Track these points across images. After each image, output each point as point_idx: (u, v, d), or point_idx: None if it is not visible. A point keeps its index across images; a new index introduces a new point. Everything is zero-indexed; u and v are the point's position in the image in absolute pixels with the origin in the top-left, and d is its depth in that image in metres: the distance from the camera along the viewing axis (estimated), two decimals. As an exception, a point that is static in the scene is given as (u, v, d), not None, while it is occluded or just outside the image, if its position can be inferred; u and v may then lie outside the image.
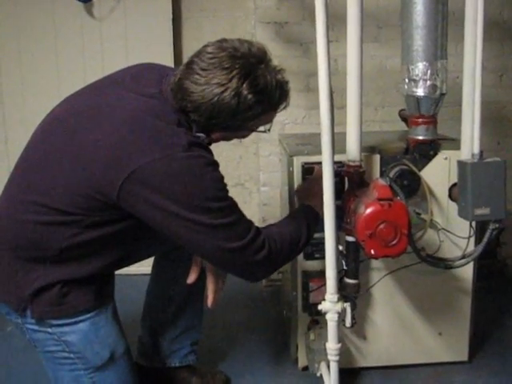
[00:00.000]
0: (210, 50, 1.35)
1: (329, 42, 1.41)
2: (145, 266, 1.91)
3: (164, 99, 1.39)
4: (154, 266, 1.88)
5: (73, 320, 1.40)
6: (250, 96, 1.32)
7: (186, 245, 1.39)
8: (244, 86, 1.31)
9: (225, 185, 1.38)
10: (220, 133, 1.44)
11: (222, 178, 1.37)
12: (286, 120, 2.78)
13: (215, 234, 1.33)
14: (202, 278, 1.60)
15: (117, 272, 1.59)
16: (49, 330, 1.40)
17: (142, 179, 1.27)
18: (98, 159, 1.30)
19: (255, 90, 1.33)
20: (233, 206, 1.39)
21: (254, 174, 2.97)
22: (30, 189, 1.38)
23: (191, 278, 1.60)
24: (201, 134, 1.41)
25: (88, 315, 1.42)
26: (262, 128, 1.49)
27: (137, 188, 1.28)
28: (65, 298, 1.38)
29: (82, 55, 2.80)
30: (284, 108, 1.46)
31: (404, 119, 2.04)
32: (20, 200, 1.39)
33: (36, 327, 1.41)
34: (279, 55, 2.65)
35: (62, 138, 1.38)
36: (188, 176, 1.29)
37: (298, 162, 1.84)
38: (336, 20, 2.25)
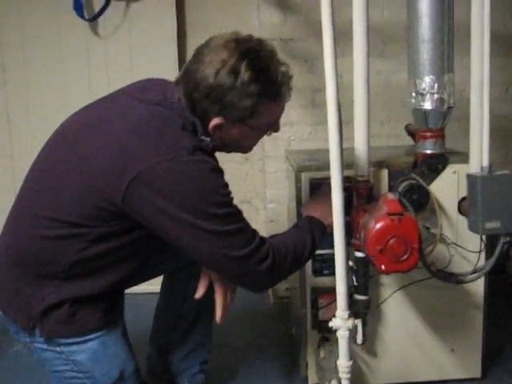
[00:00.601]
0: (216, 36, 1.39)
1: (336, 56, 1.40)
2: (154, 285, 1.89)
3: (169, 105, 1.39)
4: (164, 284, 1.87)
5: (82, 339, 1.39)
6: (248, 73, 1.32)
7: (189, 251, 1.36)
8: (244, 63, 1.32)
9: (229, 192, 1.36)
10: (218, 119, 1.38)
11: (226, 184, 1.36)
12: (291, 136, 2.78)
13: (218, 241, 1.31)
14: (211, 296, 1.57)
15: (126, 291, 1.58)
16: (57, 348, 1.39)
17: (147, 182, 1.26)
18: (102, 165, 1.29)
19: (254, 67, 1.33)
20: (237, 214, 1.37)
21: (261, 191, 2.97)
22: (36, 204, 1.37)
23: (199, 292, 1.57)
24: (205, 138, 1.40)
25: (97, 334, 1.40)
26: (265, 123, 1.45)
27: (141, 191, 1.26)
28: (74, 316, 1.37)
29: (87, 73, 2.82)
30: (286, 100, 1.44)
31: (411, 134, 2.03)
32: (27, 216, 1.39)
33: (44, 346, 1.40)
34: (284, 72, 2.66)
35: (67, 150, 1.38)
36: (192, 180, 1.28)
37: (305, 177, 1.83)
38: (341, 35, 2.25)
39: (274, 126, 1.50)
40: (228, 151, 1.54)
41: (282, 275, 1.48)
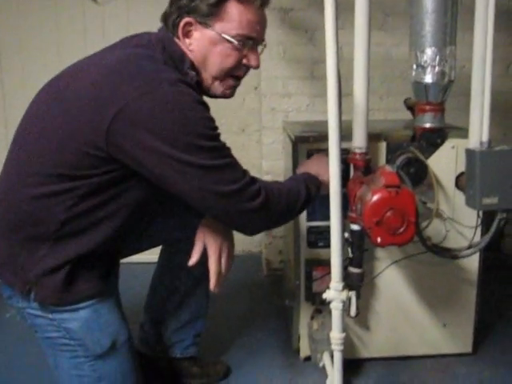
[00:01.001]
0: None
1: (337, 28, 1.38)
2: (151, 255, 1.86)
3: (152, 45, 1.38)
4: (161, 255, 1.86)
5: (74, 307, 1.37)
6: None
7: (177, 191, 1.31)
8: None
9: (217, 127, 1.32)
10: (186, 18, 1.39)
11: (213, 119, 1.32)
12: (289, 108, 2.75)
13: (206, 176, 1.27)
14: (207, 268, 1.51)
15: (123, 260, 1.57)
16: (49, 315, 1.37)
17: (128, 117, 1.21)
18: (82, 107, 1.25)
19: None
20: (226, 149, 1.34)
21: (257, 163, 2.94)
22: (23, 162, 1.35)
23: (192, 259, 1.51)
24: (190, 72, 1.38)
25: (90, 302, 1.38)
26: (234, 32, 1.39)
27: (123, 128, 1.22)
28: (69, 285, 1.35)
29: (83, 40, 2.79)
30: (254, 7, 1.40)
31: (409, 108, 2.01)
32: (15, 176, 1.36)
33: (38, 312, 1.38)
34: (284, 42, 2.63)
35: (47, 102, 1.35)
36: (176, 111, 1.23)
37: (303, 148, 1.81)
38: (341, 7, 2.22)
39: (244, 41, 1.41)
40: (209, 88, 1.47)
41: (274, 218, 1.45)
